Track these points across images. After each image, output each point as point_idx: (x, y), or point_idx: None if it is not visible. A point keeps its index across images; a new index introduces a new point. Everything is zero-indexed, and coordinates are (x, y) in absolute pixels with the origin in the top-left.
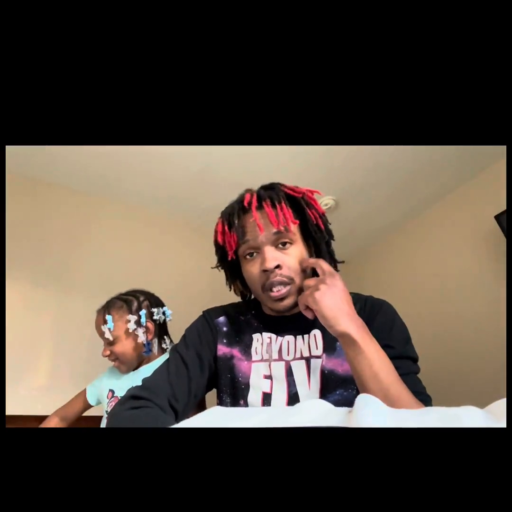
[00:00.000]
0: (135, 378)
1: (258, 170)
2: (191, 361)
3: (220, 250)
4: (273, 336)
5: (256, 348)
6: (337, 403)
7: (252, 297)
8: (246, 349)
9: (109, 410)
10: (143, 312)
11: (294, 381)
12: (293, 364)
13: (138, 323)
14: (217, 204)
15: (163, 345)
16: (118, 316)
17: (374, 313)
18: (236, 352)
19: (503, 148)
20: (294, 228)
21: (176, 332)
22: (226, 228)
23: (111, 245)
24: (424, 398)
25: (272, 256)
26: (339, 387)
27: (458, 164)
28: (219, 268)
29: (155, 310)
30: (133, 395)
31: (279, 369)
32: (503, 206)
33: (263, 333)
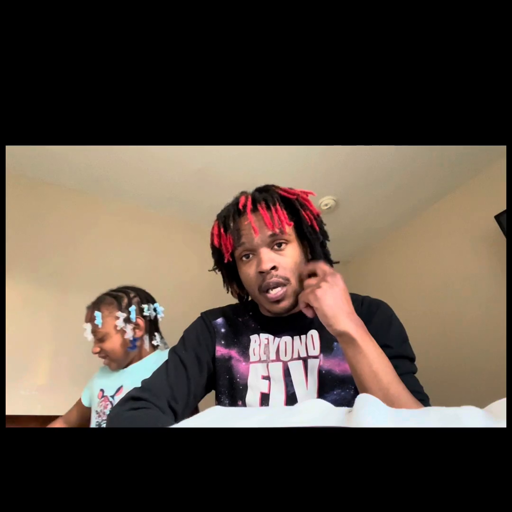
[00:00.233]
0: (125, 377)
1: (258, 170)
2: (189, 362)
3: (217, 253)
4: (271, 337)
5: (254, 349)
6: (334, 403)
7: (249, 298)
8: (244, 350)
9: (98, 410)
10: (133, 308)
11: (291, 381)
12: (291, 365)
13: (127, 319)
14: (217, 204)
15: (154, 342)
16: (108, 312)
17: (371, 313)
18: (234, 353)
19: (503, 148)
20: (289, 229)
21: (176, 332)
22: (222, 231)
23: (111, 245)
24: (422, 398)
25: (268, 257)
26: (337, 387)
27: (458, 164)
28: (216, 270)
29: (145, 306)
30: (132, 396)
31: (276, 370)
32: (503, 206)
33: (261, 334)
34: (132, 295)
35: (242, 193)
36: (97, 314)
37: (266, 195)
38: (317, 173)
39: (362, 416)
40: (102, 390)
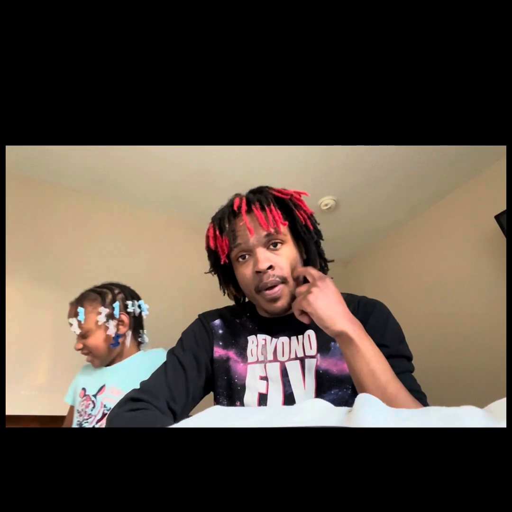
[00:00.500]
0: (108, 375)
1: (258, 170)
2: (188, 363)
3: (213, 255)
4: (268, 337)
5: (251, 350)
6: (332, 403)
7: (246, 300)
8: (242, 351)
9: (80, 409)
10: (116, 304)
11: (289, 381)
12: (288, 365)
13: (110, 315)
14: (217, 204)
15: (139, 339)
16: (91, 308)
17: (368, 313)
18: (232, 354)
19: (503, 148)
20: (284, 229)
21: (175, 332)
22: (217, 233)
23: (111, 244)
24: (420, 397)
25: (264, 257)
26: (334, 387)
27: (458, 164)
28: (212, 272)
29: (129, 302)
30: (132, 397)
31: (274, 370)
32: (503, 206)
33: (258, 335)
34: (116, 291)
35: (237, 195)
36: (80, 310)
37: (260, 196)
38: (317, 173)
39: (362, 416)
40: (84, 389)
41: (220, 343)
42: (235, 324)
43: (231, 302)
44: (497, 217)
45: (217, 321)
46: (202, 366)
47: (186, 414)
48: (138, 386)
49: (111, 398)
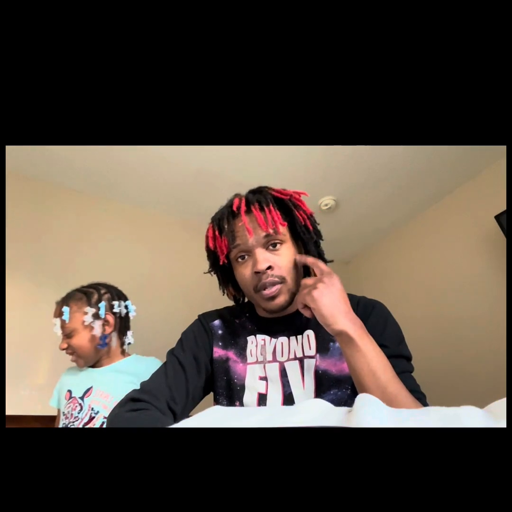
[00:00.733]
0: (95, 378)
1: (257, 170)
2: (188, 363)
3: (212, 255)
4: (267, 338)
5: (250, 350)
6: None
7: (246, 300)
8: (241, 352)
9: (66, 412)
10: (102, 304)
11: (288, 381)
12: (287, 365)
13: (96, 315)
14: (217, 204)
15: (125, 339)
16: (77, 308)
17: (367, 313)
18: (231, 354)
19: (503, 148)
20: (283, 229)
21: (175, 332)
22: (216, 233)
23: (111, 245)
24: (420, 396)
25: (263, 257)
26: (333, 387)
27: (458, 164)
28: (212, 273)
29: (116, 302)
30: (132, 398)
31: (273, 370)
32: (503, 206)
33: (257, 335)
34: (102, 291)
35: (236, 195)
36: (65, 309)
37: (259, 196)
38: (317, 173)
39: (362, 416)
40: (69, 391)
41: (220, 344)
42: (234, 324)
43: (230, 302)
44: (497, 217)
45: (217, 322)
46: (202, 367)
47: (186, 415)
48: (127, 391)
49: (99, 401)
